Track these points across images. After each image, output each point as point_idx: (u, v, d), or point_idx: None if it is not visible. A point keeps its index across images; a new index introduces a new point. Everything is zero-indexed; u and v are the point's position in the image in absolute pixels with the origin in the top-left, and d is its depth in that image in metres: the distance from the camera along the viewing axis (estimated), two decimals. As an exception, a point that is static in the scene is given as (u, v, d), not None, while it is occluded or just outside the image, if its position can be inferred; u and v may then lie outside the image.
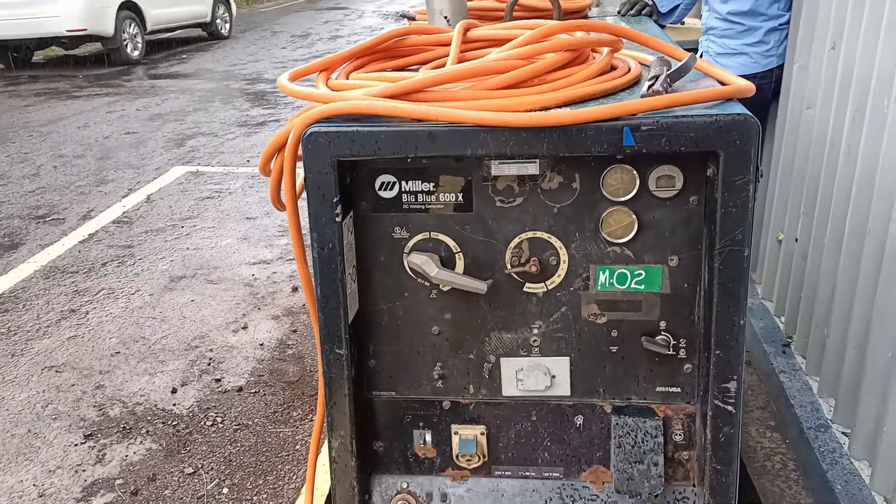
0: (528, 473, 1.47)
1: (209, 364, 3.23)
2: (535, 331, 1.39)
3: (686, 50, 1.47)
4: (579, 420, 1.44)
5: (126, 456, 2.66)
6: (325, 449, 1.51)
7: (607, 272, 1.33)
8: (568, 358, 1.40)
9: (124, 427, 2.82)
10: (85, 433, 2.79)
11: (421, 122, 1.22)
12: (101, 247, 4.55)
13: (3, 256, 4.46)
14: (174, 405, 2.95)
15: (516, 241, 1.34)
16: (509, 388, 1.43)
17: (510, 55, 1.30)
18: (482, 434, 1.46)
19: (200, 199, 5.33)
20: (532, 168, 1.28)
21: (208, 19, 12.92)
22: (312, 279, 1.36)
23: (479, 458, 1.47)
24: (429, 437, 1.48)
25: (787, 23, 2.88)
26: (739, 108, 1.19)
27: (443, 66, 1.44)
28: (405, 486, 1.50)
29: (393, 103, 1.22)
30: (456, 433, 1.46)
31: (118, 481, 2.54)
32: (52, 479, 2.57)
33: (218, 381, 3.10)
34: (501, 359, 1.41)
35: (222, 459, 2.63)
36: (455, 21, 1.73)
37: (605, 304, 1.36)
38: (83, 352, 3.36)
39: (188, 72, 10.38)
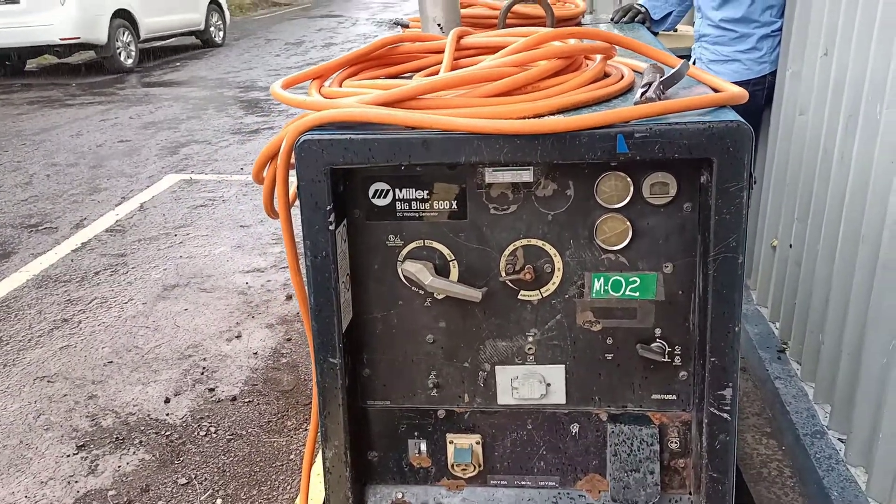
0: (523, 483, 1.47)
1: (203, 373, 3.21)
2: (530, 339, 1.38)
3: (679, 57, 1.47)
4: (575, 428, 1.43)
5: (119, 467, 2.64)
6: (319, 459, 1.50)
7: (602, 279, 1.33)
8: (563, 366, 1.39)
9: (117, 437, 2.80)
10: (77, 444, 2.77)
11: (415, 129, 1.22)
12: (93, 255, 4.53)
13: (-5, 266, 4.44)
14: (167, 415, 2.93)
15: (511, 248, 1.33)
16: (504, 397, 1.42)
17: (504, 62, 1.30)
18: (477, 443, 1.45)
19: (194, 207, 5.31)
20: (526, 175, 1.28)
21: (202, 27, 12.94)
22: (306, 288, 1.35)
23: (475, 467, 1.46)
24: (424, 447, 1.47)
25: (780, 29, 2.89)
26: (732, 115, 1.19)
27: (436, 73, 1.44)
28: (400, 496, 1.49)
29: (386, 111, 1.22)
30: (451, 442, 1.46)
31: (111, 492, 2.52)
32: (43, 491, 2.54)
33: (212, 390, 3.08)
34: (496, 367, 1.41)
35: (216, 470, 2.61)
36: (448, 28, 1.73)
37: (600, 311, 1.35)
38: (76, 361, 3.34)
39: (182, 80, 10.37)
